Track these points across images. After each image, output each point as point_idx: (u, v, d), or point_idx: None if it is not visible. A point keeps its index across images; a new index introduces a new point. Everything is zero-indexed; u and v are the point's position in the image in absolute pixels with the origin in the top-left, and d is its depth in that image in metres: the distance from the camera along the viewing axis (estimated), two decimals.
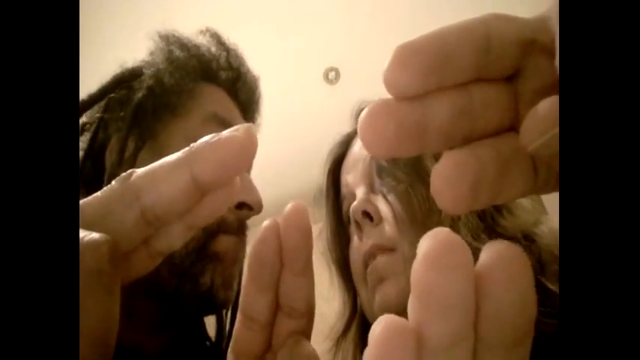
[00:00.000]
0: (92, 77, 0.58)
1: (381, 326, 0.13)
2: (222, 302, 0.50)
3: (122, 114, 0.52)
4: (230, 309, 0.53)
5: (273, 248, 0.19)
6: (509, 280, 0.13)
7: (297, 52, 2.00)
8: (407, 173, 0.49)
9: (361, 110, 0.61)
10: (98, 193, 0.18)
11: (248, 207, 0.51)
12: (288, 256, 0.19)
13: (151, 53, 0.58)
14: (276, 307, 0.21)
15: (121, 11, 1.70)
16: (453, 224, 0.46)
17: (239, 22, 1.83)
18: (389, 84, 0.16)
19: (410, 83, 0.15)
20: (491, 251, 0.13)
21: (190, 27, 0.63)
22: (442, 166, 0.16)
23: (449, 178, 0.16)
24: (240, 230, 0.52)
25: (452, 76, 0.16)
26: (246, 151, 0.18)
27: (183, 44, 0.58)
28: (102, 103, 0.54)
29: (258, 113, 0.63)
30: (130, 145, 0.50)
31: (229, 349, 0.22)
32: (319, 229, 0.63)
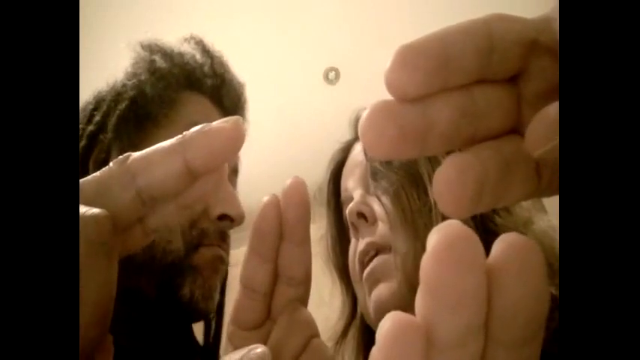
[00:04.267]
0: (88, 83, 0.59)
1: (389, 323, 0.12)
2: (202, 312, 0.51)
3: (105, 125, 0.53)
4: (214, 317, 0.54)
5: (273, 222, 0.20)
6: (522, 274, 0.12)
7: (297, 52, 2.00)
8: (400, 175, 0.51)
9: (359, 117, 0.62)
10: (97, 173, 0.19)
11: (229, 219, 0.53)
12: (288, 228, 0.21)
13: (134, 63, 0.59)
14: (275, 276, 0.22)
15: (112, 18, 1.70)
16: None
17: (239, 23, 1.83)
18: (391, 85, 0.15)
19: (412, 84, 0.15)
20: (504, 244, 0.13)
21: (191, 28, 0.63)
22: (445, 170, 0.16)
23: (452, 182, 0.15)
24: (221, 239, 0.54)
25: (454, 77, 0.16)
26: (235, 141, 0.19)
27: (166, 54, 0.59)
28: (84, 114, 0.56)
29: (244, 119, 0.64)
30: (114, 156, 0.51)
31: (229, 321, 0.23)
32: (318, 230, 0.64)
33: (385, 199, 0.51)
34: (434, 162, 0.50)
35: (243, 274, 0.22)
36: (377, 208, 0.52)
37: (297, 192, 0.20)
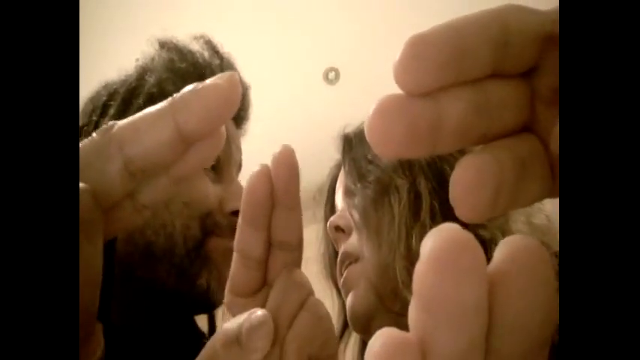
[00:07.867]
0: (90, 80, 0.58)
1: (379, 342, 0.11)
2: (217, 303, 0.52)
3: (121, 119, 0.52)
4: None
5: (265, 189, 0.20)
6: (529, 282, 0.11)
7: (297, 52, 2.00)
8: (370, 190, 0.53)
9: (345, 135, 0.64)
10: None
11: None
12: (279, 194, 0.21)
13: (151, 60, 0.58)
14: (269, 243, 0.22)
15: (119, 14, 1.70)
16: (407, 232, 0.49)
17: (239, 23, 1.83)
18: (400, 79, 0.14)
19: (423, 77, 0.14)
20: (508, 249, 0.12)
21: (190, 28, 0.63)
22: (463, 173, 0.15)
23: (470, 186, 0.14)
24: (233, 234, 0.53)
25: (467, 70, 0.15)
26: (231, 98, 0.18)
27: (182, 52, 0.59)
28: (99, 105, 0.55)
29: (247, 120, 0.64)
30: None
31: (227, 290, 0.23)
32: (319, 230, 0.66)
33: (354, 211, 0.54)
34: (399, 171, 0.52)
35: (238, 243, 0.22)
36: (352, 220, 0.55)
37: (287, 157, 0.20)
